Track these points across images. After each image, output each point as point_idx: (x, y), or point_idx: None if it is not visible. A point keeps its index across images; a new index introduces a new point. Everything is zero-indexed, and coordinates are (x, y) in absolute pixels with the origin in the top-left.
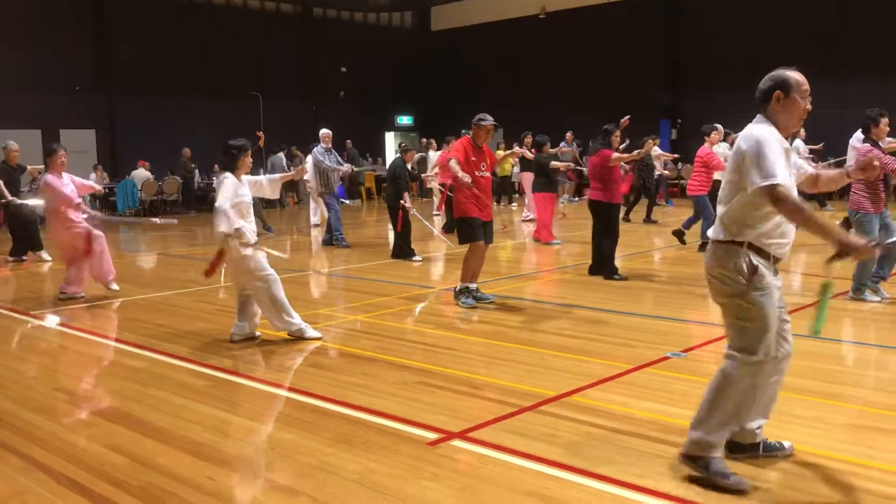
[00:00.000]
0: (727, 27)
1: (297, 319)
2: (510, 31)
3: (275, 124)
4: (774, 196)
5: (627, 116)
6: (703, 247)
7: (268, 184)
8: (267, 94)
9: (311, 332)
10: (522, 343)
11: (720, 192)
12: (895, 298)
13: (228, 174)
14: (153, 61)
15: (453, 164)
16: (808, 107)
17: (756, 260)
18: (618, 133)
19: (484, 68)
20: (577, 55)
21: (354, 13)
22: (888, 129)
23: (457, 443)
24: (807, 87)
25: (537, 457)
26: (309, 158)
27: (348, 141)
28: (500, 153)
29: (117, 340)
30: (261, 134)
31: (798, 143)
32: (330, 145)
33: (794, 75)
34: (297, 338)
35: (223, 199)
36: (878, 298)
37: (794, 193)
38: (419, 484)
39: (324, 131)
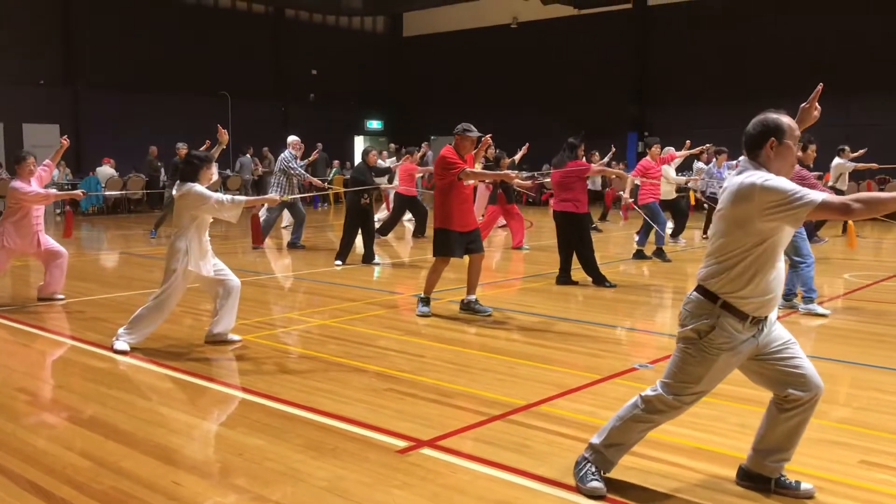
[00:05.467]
0: (695, 42)
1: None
2: (482, 39)
3: (243, 125)
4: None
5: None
6: (658, 252)
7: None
8: (236, 94)
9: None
10: (491, 351)
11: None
12: (848, 313)
13: (194, 184)
14: (120, 57)
15: (472, 171)
16: (800, 153)
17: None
18: (583, 146)
19: (454, 76)
20: (548, 66)
21: (327, 16)
22: (815, 154)
23: (426, 451)
24: (798, 132)
25: (507, 466)
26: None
27: (319, 144)
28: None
29: (80, 340)
30: (224, 131)
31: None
32: (298, 153)
33: (787, 119)
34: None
35: (210, 194)
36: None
37: None
38: (389, 492)
39: (293, 138)
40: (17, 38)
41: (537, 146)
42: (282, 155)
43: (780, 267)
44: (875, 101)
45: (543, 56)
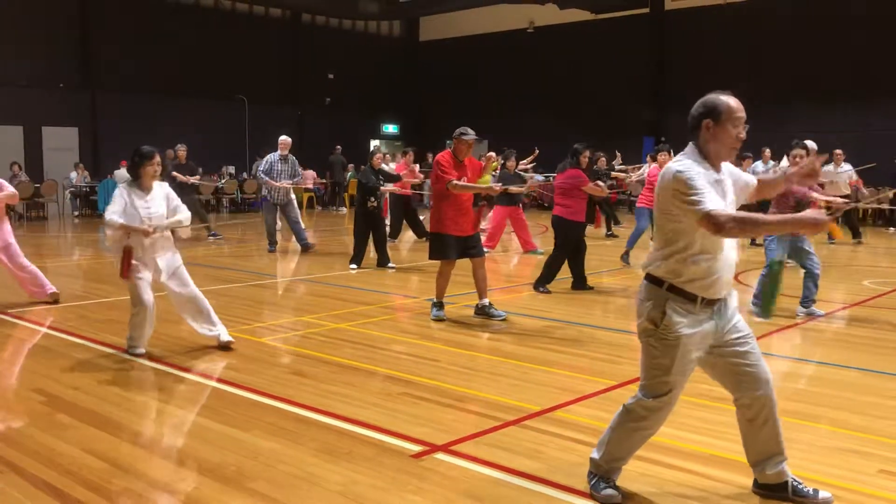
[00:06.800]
0: (712, 46)
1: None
2: (498, 43)
3: (260, 129)
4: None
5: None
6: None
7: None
8: (253, 98)
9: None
10: (505, 356)
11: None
12: (867, 320)
13: (120, 183)
14: (138, 61)
15: (459, 184)
16: (742, 135)
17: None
18: (587, 153)
19: (471, 80)
20: (564, 69)
21: (343, 20)
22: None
23: (441, 456)
24: (741, 114)
25: (521, 472)
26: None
27: (338, 147)
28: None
29: (96, 342)
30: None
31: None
32: (287, 153)
33: (728, 100)
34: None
35: (116, 203)
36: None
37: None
38: (403, 497)
39: (282, 138)
40: (37, 42)
41: (553, 150)
42: (266, 156)
43: (724, 250)
44: None
45: (560, 60)
